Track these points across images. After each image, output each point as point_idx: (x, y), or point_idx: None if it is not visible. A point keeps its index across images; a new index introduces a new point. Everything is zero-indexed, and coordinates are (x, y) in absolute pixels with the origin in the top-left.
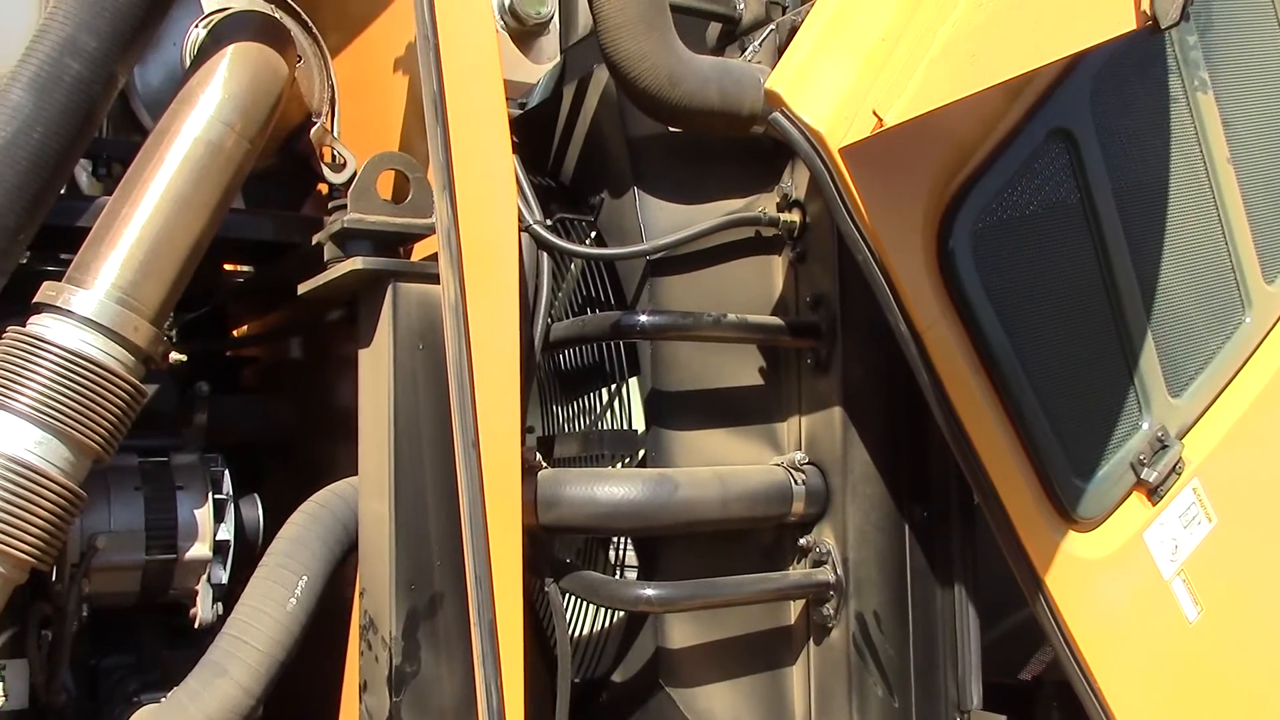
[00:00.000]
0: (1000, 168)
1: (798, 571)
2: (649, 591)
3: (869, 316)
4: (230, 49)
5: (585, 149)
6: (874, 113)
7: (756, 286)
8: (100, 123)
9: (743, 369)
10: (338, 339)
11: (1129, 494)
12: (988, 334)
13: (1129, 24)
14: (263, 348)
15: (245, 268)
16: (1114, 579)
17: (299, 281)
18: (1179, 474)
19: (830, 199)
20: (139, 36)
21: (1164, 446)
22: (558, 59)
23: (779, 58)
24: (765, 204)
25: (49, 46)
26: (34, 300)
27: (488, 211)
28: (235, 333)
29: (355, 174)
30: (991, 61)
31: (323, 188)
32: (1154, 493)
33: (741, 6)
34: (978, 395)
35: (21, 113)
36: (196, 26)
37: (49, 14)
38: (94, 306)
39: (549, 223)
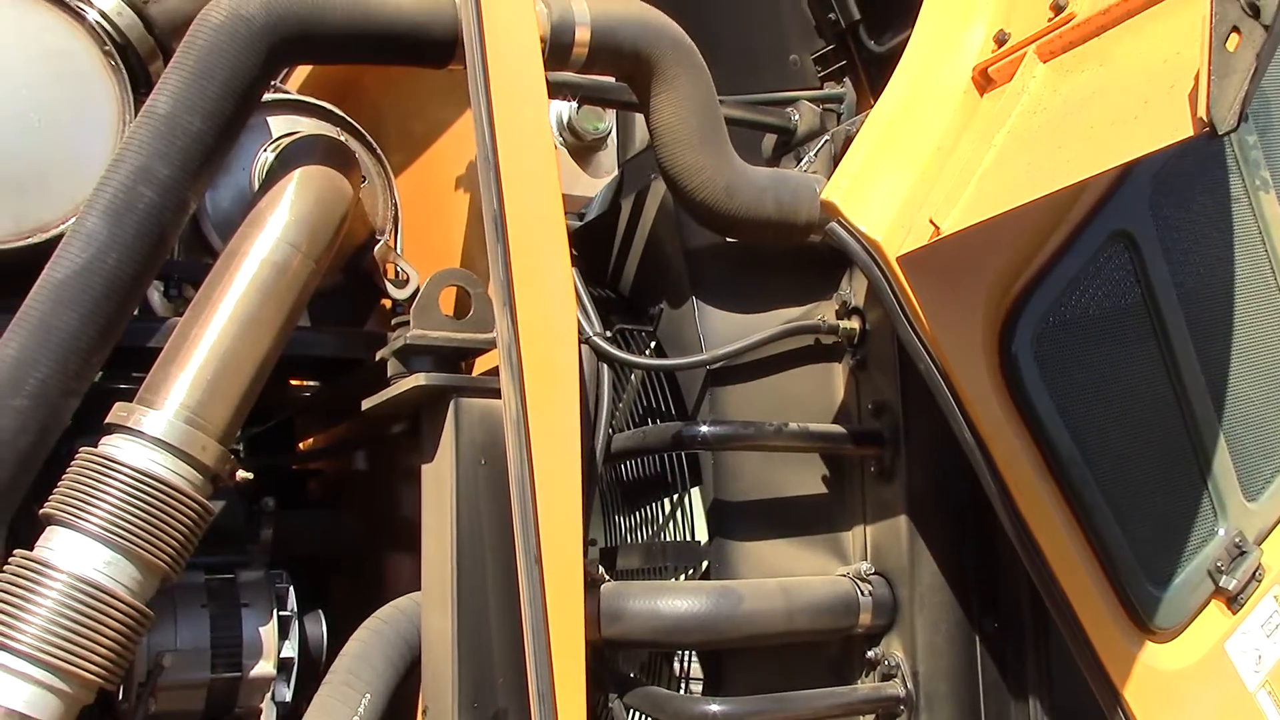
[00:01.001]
0: (1061, 272)
1: (866, 685)
2: (714, 708)
3: (932, 423)
4: (297, 172)
5: (644, 260)
6: (931, 221)
7: (817, 394)
8: (172, 247)
9: (806, 478)
10: (401, 451)
11: (1207, 602)
12: (1054, 440)
13: (1186, 130)
14: (327, 461)
15: (310, 382)
16: (1195, 691)
17: (363, 396)
18: (1259, 581)
19: (890, 307)
20: (210, 164)
21: (1242, 552)
22: (615, 173)
23: (834, 167)
24: (824, 311)
25: (123, 175)
26: (106, 420)
27: (548, 326)
28: (300, 446)
29: (418, 290)
30: (1048, 169)
31: (386, 303)
32: (1234, 601)
33: (796, 117)
34: (1046, 503)
35: (96, 239)
36: (265, 151)
37: (124, 143)
38: (163, 426)
39: (609, 334)
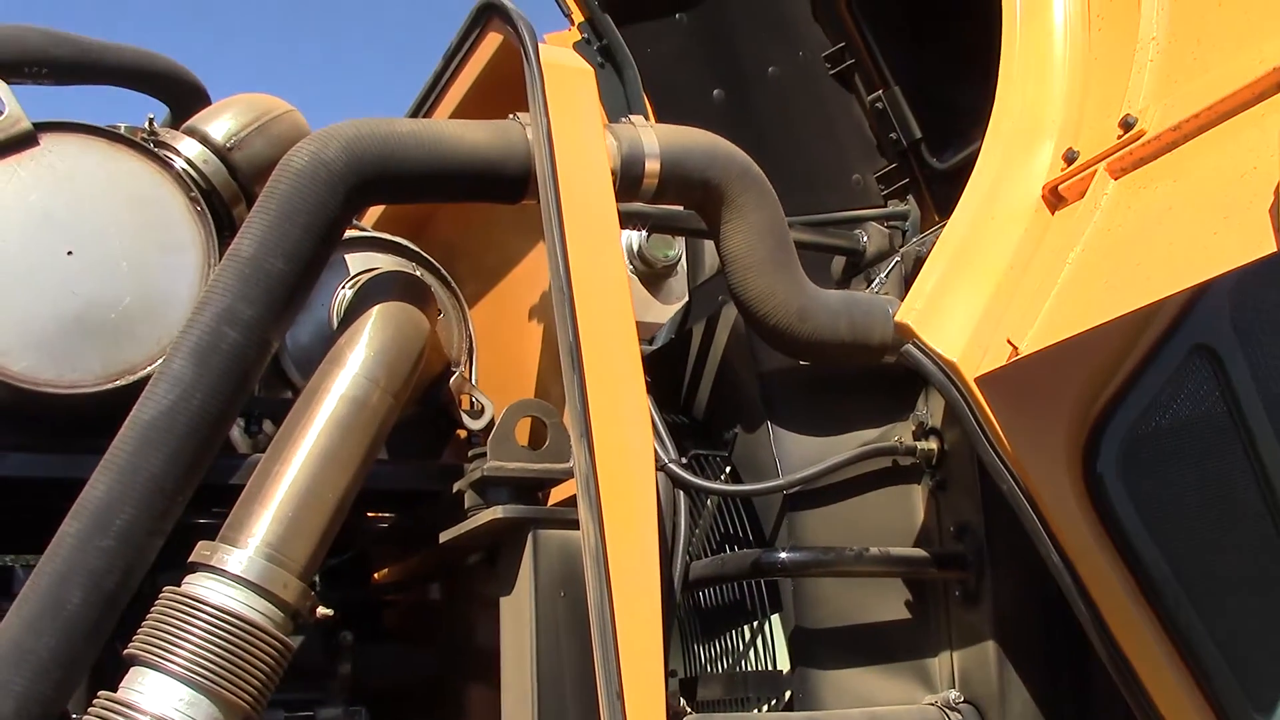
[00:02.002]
0: (1143, 388)
1: None
2: None
3: (1017, 545)
4: (375, 309)
5: (716, 385)
6: (1009, 341)
7: (897, 517)
8: (255, 385)
9: (888, 603)
10: (477, 583)
11: None
12: (1145, 561)
13: (1269, 246)
14: (403, 593)
15: (386, 514)
16: None
17: (440, 527)
18: None
19: (969, 429)
20: (292, 304)
21: None
22: (685, 298)
23: (905, 288)
24: (900, 433)
25: (209, 317)
26: (190, 559)
27: (625, 456)
28: (376, 577)
29: (493, 421)
30: (1127, 287)
31: (461, 434)
32: None
33: (865, 239)
34: (1141, 626)
35: (182, 381)
36: (343, 288)
37: (209, 286)
38: (245, 564)
39: (684, 460)
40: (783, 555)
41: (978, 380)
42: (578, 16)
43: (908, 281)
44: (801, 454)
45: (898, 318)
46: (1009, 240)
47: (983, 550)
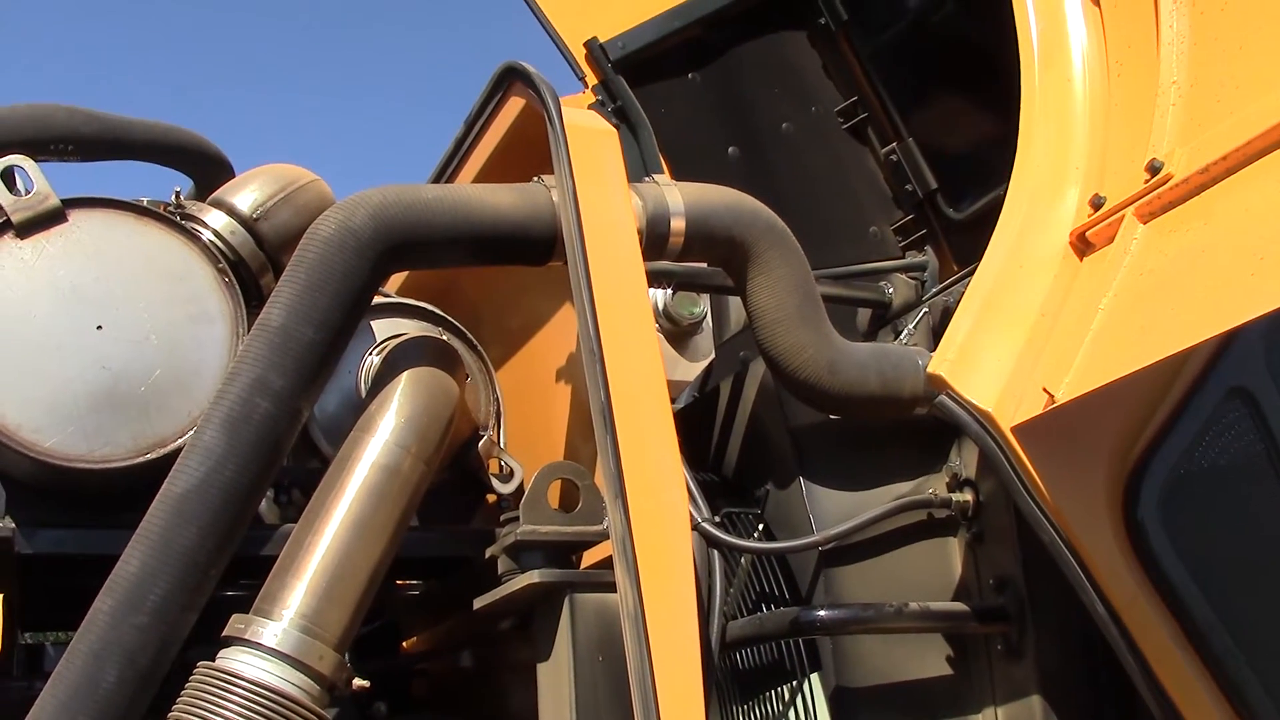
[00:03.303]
0: (1180, 431)
1: None
2: None
3: (1059, 596)
4: (404, 375)
5: (746, 442)
6: (1044, 389)
7: (934, 571)
8: (286, 455)
9: (930, 659)
10: (510, 648)
11: None
12: (1191, 607)
13: None
14: (433, 660)
15: (416, 581)
16: None
17: (471, 593)
18: None
19: (1006, 479)
20: (322, 372)
21: None
22: (711, 356)
23: (934, 339)
24: (934, 485)
25: (239, 387)
26: (223, 633)
27: (660, 516)
28: (405, 645)
29: (523, 484)
30: (1164, 331)
31: (491, 498)
32: None
33: (890, 291)
34: (1190, 675)
35: (214, 453)
36: (370, 354)
37: (239, 356)
38: (280, 637)
39: (716, 519)
40: (821, 613)
41: (1013, 429)
42: (591, 79)
43: (936, 332)
44: (835, 509)
45: (929, 369)
46: (1038, 288)
47: (1024, 602)
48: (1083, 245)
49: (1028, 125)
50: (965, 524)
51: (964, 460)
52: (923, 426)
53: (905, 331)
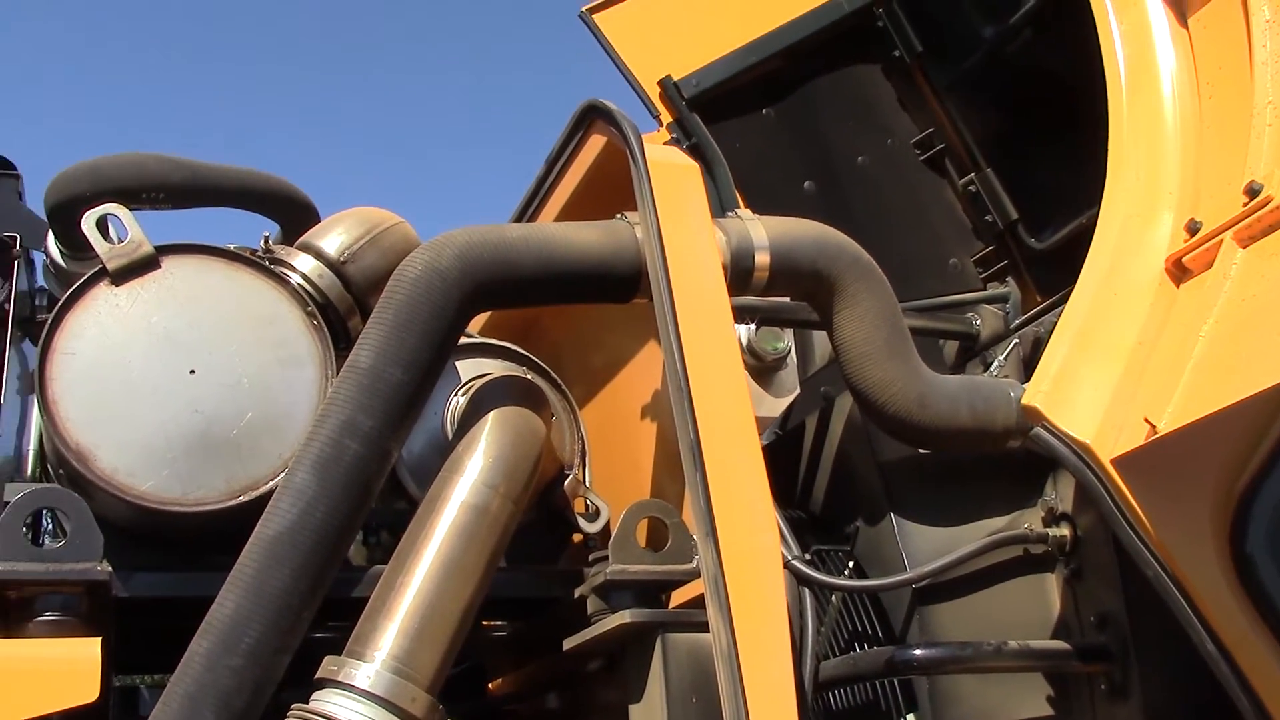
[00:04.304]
0: None
1: None
2: None
3: (1165, 633)
4: (491, 415)
5: (834, 477)
6: (1146, 420)
7: (1032, 608)
8: (375, 496)
9: (1030, 699)
10: (600, 690)
11: None
12: None
13: None
14: (522, 702)
15: (502, 622)
16: None
17: (559, 634)
18: None
19: (1107, 513)
20: (411, 413)
21: None
22: (796, 391)
23: (1026, 370)
24: (1030, 520)
25: (329, 429)
26: (316, 675)
27: (751, 554)
28: (492, 686)
29: (609, 523)
30: (1269, 359)
31: (577, 537)
32: None
33: (978, 322)
34: None
35: (305, 495)
36: (456, 395)
37: (329, 398)
38: (372, 679)
39: (806, 557)
40: (917, 652)
41: (1114, 461)
42: (666, 117)
43: (1027, 364)
44: (928, 546)
45: (1024, 400)
46: (1134, 316)
47: (1127, 640)
48: (1179, 271)
49: (1116, 151)
50: (1063, 559)
51: (1060, 494)
52: (1015, 460)
53: (995, 363)
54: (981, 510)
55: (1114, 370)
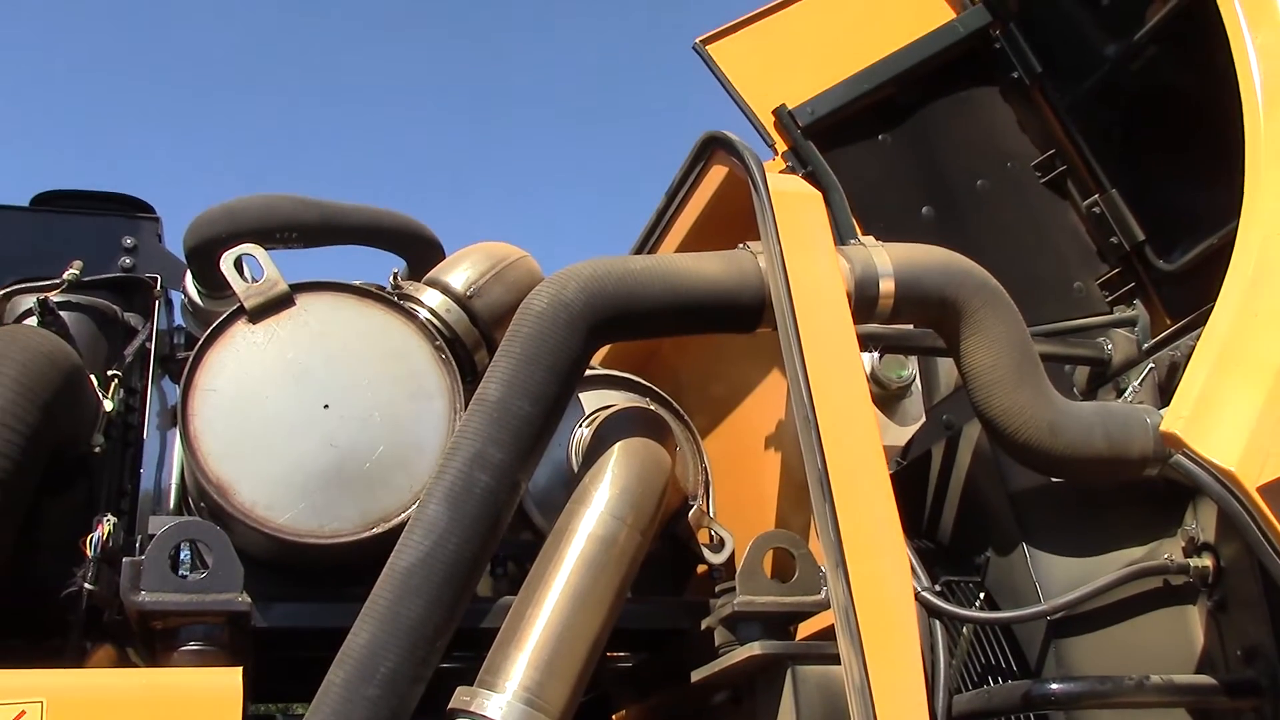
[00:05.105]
0: None
1: None
2: None
3: None
4: (617, 446)
5: (963, 507)
6: None
7: (1173, 641)
8: (505, 527)
9: None
10: None
11: None
12: None
13: None
14: None
15: (626, 653)
16: None
17: (684, 665)
18: None
19: (1254, 542)
20: (539, 445)
21: None
22: (921, 420)
23: (1161, 395)
24: (1169, 549)
25: (460, 461)
26: (449, 706)
27: (882, 585)
28: (615, 718)
29: (733, 554)
30: None
31: (701, 568)
32: None
33: (1110, 347)
34: None
35: (438, 526)
36: (580, 426)
37: (459, 431)
38: (504, 710)
39: (936, 588)
40: (1054, 686)
41: (1260, 489)
42: (781, 145)
43: (1164, 389)
44: (1063, 577)
45: (1163, 427)
46: (1278, 338)
47: (1276, 675)
48: None
49: (1253, 170)
50: (1205, 591)
51: (1201, 523)
52: (1153, 488)
53: (1130, 389)
54: (1118, 540)
55: (1258, 394)
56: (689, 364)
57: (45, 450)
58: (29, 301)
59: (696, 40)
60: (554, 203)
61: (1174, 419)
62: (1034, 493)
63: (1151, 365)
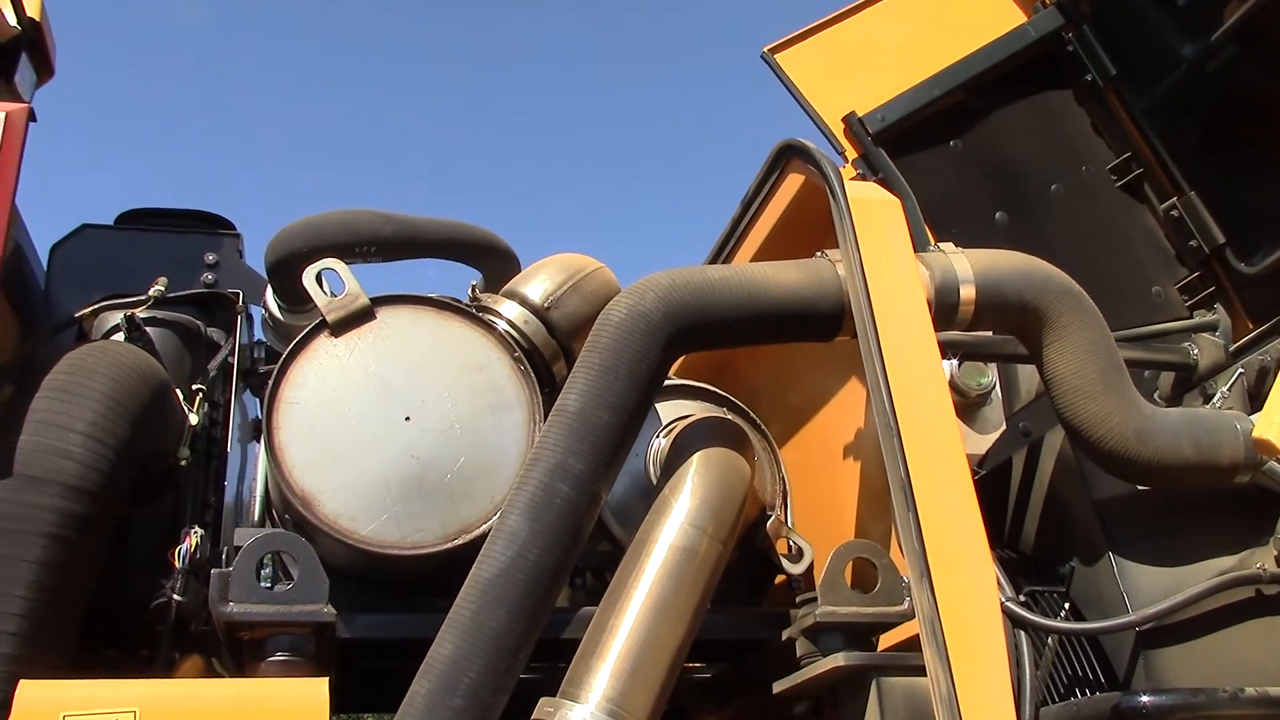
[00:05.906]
0: None
1: None
2: None
3: None
4: (696, 456)
5: (1046, 516)
6: None
7: (1268, 652)
8: (585, 539)
9: None
10: None
11: None
12: None
13: None
14: None
15: (704, 663)
16: None
17: (763, 676)
18: None
19: None
20: (619, 455)
21: None
22: (1001, 428)
23: (1251, 401)
24: (1262, 558)
25: (540, 472)
26: (532, 717)
27: (968, 596)
28: None
29: (812, 564)
30: None
31: (780, 579)
32: None
33: (1195, 352)
34: None
35: (519, 537)
36: (658, 437)
37: (539, 442)
38: None
39: (1021, 598)
40: (1144, 699)
41: None
42: (851, 153)
43: (1253, 394)
44: (1150, 586)
45: (1256, 433)
46: None
47: None
48: None
49: None
50: None
51: None
52: (1242, 496)
53: (1218, 394)
54: (1207, 549)
55: None
56: (763, 373)
57: (134, 464)
58: (116, 318)
59: (764, 49)
60: (605, 215)
61: (1266, 425)
62: (1119, 501)
63: (1240, 370)
